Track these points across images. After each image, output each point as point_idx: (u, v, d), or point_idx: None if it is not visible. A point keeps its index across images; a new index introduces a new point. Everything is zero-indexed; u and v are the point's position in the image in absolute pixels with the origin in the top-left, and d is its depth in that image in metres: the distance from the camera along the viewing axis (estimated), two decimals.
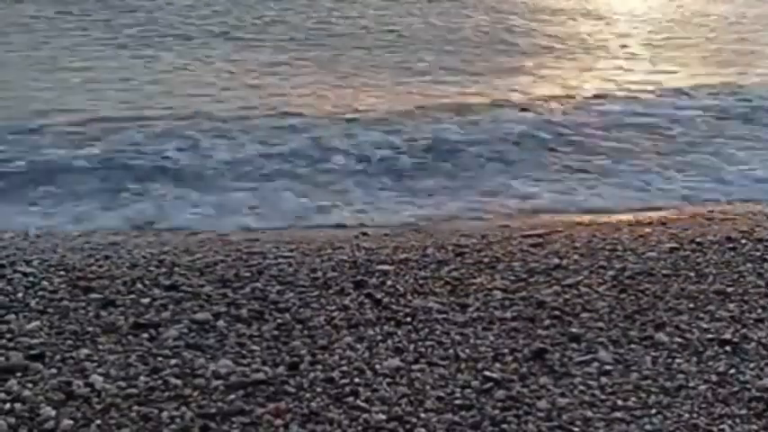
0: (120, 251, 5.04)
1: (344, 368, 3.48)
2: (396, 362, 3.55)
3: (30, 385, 3.27)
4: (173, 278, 4.45)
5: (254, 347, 3.66)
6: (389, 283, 4.44)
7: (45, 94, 9.07)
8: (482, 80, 10.48)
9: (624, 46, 13.43)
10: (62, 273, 4.48)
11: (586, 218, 6.24)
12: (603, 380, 3.46)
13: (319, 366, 3.49)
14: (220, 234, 5.66)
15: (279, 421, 3.10)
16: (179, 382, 3.34)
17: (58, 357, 3.51)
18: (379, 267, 4.67)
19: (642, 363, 3.61)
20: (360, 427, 3.09)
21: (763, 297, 4.34)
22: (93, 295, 4.17)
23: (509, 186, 6.93)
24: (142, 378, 3.36)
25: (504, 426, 3.12)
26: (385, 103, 9.11)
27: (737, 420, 3.19)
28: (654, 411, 3.24)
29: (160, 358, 3.53)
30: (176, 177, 6.88)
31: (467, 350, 3.68)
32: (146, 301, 4.12)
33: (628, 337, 3.85)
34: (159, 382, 3.34)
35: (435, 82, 10.31)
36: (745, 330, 3.94)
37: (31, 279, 4.38)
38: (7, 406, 3.12)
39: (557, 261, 4.85)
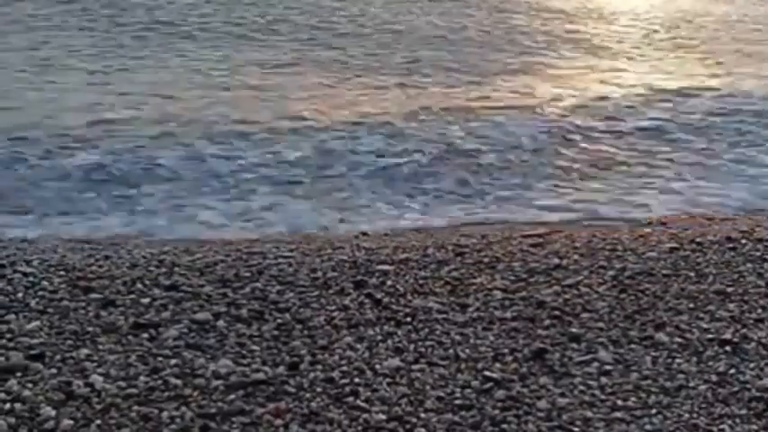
0: (120, 251, 5.04)
1: (344, 368, 3.48)
2: (396, 362, 3.55)
3: (30, 385, 3.27)
4: (173, 278, 4.45)
5: (254, 347, 3.66)
6: (389, 283, 4.45)
7: (44, 95, 9.06)
8: (485, 81, 10.45)
9: (628, 47, 13.40)
10: (62, 273, 4.48)
11: (587, 219, 6.24)
12: (603, 380, 3.46)
13: (319, 366, 3.50)
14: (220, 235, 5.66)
15: (279, 421, 3.10)
16: (179, 382, 3.34)
17: (58, 357, 3.51)
18: (379, 267, 4.67)
19: (642, 363, 3.61)
20: (360, 427, 3.09)
21: (763, 297, 4.34)
22: (93, 295, 4.17)
23: (515, 191, 6.89)
24: (142, 378, 3.36)
25: (504, 426, 3.12)
26: (389, 106, 9.07)
27: (737, 420, 3.20)
28: (654, 411, 3.24)
29: (160, 358, 3.53)
30: (175, 182, 6.82)
31: (467, 350, 3.68)
32: (146, 301, 4.12)
33: (628, 337, 3.85)
34: (159, 382, 3.34)
35: (438, 83, 10.29)
36: (745, 330, 3.94)
37: (31, 279, 4.38)
38: (7, 406, 3.12)
39: (557, 261, 4.85)
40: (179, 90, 9.47)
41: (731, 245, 5.20)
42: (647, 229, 5.76)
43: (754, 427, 3.16)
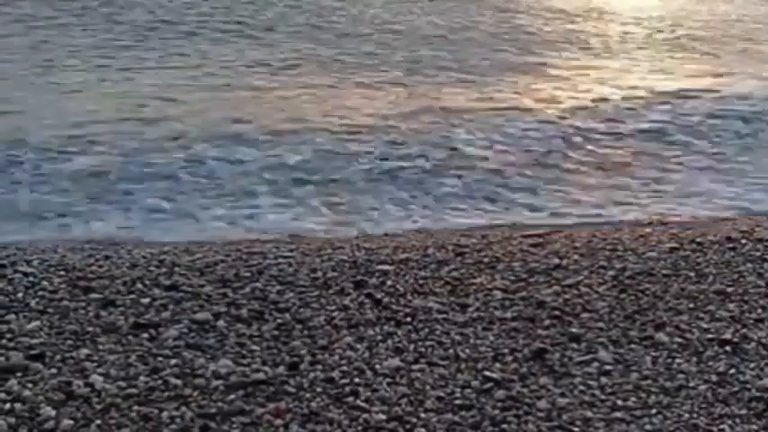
0: (120, 251, 5.04)
1: (344, 368, 3.49)
2: (396, 362, 3.55)
3: (30, 385, 3.27)
4: (173, 278, 4.45)
5: (254, 347, 3.66)
6: (389, 283, 4.45)
7: (45, 96, 9.06)
8: (485, 81, 10.44)
9: (628, 47, 13.39)
10: (62, 273, 4.48)
11: (587, 219, 6.23)
12: (603, 380, 3.46)
13: (319, 366, 3.50)
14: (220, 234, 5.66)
15: (279, 421, 3.10)
16: (179, 382, 3.34)
17: (58, 357, 3.51)
18: (379, 267, 4.67)
19: (642, 363, 3.61)
20: (360, 427, 3.09)
21: (763, 297, 4.34)
22: (93, 295, 4.17)
23: (515, 192, 6.87)
24: (142, 378, 3.36)
25: (504, 426, 3.12)
26: (390, 107, 9.06)
27: (737, 420, 3.20)
28: (654, 411, 3.24)
29: (160, 358, 3.53)
30: (175, 183, 6.80)
31: (467, 350, 3.68)
32: (146, 301, 4.12)
33: (628, 337, 3.85)
34: (159, 382, 3.34)
35: (438, 83, 10.29)
36: (745, 330, 3.94)
37: (31, 279, 4.38)
38: (7, 406, 3.13)
39: (557, 261, 4.85)
40: (179, 91, 9.45)
41: (731, 245, 5.20)
42: (647, 229, 5.75)
43: (754, 427, 3.16)
